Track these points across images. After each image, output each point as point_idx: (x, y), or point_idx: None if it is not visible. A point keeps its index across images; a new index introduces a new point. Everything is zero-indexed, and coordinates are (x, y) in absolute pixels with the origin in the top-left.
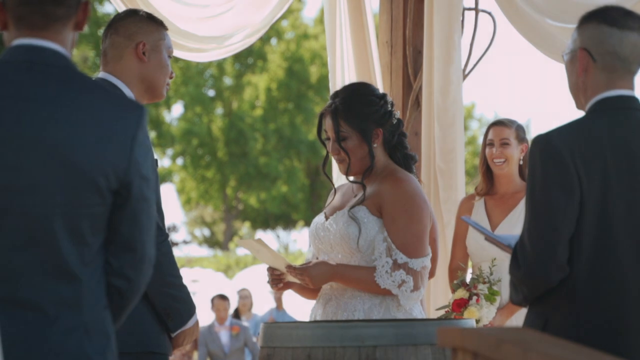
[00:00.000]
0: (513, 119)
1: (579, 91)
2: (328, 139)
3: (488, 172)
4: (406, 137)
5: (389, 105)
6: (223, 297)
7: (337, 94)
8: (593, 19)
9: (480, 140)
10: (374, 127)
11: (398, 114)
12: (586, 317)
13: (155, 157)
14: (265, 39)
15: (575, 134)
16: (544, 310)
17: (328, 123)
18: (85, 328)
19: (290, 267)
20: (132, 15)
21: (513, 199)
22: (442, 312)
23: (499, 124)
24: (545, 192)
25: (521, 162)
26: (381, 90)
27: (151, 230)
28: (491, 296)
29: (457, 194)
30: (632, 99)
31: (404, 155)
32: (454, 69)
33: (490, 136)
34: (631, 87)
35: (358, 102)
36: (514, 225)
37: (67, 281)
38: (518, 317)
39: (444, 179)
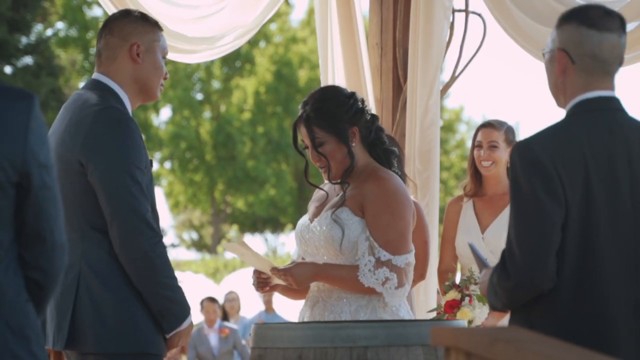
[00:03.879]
0: (503, 120)
1: (558, 91)
2: (306, 147)
3: (476, 174)
4: (384, 131)
5: (360, 103)
6: (212, 300)
7: (306, 102)
8: (572, 19)
9: (469, 143)
10: (349, 126)
11: (371, 110)
12: (571, 324)
13: (150, 158)
14: (253, 43)
15: (555, 139)
16: (529, 316)
17: (303, 132)
18: (7, 324)
19: (274, 269)
20: (127, 15)
21: (502, 200)
22: (433, 314)
23: (488, 125)
24: (533, 201)
25: (509, 165)
26: (371, 93)
27: (58, 217)
28: (483, 297)
29: (432, 195)
30: (612, 99)
31: (383, 151)
32: (435, 69)
33: (479, 138)
34: (611, 88)
35: (328, 105)
36: (503, 226)
37: None
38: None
39: (421, 180)
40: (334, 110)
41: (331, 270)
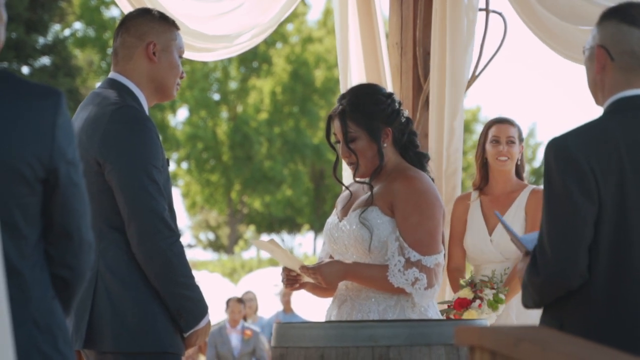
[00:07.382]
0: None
1: (597, 88)
2: (338, 142)
3: (483, 169)
4: (417, 135)
5: (397, 104)
6: (239, 300)
7: (344, 96)
8: (613, 16)
9: None
10: (383, 126)
11: (407, 112)
12: (602, 322)
13: (167, 157)
14: (270, 43)
15: (591, 136)
16: (560, 313)
17: (336, 125)
18: (34, 321)
19: (303, 267)
20: (144, 14)
21: (508, 198)
22: (444, 307)
23: (504, 122)
24: (566, 198)
25: (519, 162)
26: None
27: (85, 214)
28: (494, 303)
29: (457, 193)
30: None
31: (416, 154)
32: (461, 69)
33: (494, 133)
34: None
35: (365, 102)
36: (510, 225)
37: (9, 277)
38: (520, 317)
39: (449, 179)
40: (370, 107)
41: (361, 270)
